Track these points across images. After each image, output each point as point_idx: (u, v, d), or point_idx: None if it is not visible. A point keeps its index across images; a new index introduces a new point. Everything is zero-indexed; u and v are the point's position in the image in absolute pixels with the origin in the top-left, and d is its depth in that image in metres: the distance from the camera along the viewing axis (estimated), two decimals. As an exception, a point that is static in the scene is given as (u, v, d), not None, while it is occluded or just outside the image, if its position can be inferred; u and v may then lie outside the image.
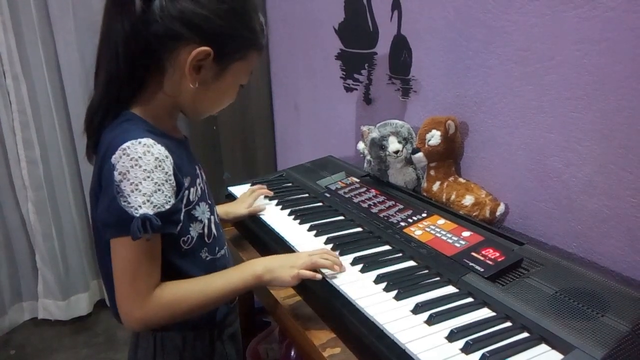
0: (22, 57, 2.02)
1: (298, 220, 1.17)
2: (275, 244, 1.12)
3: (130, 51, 0.76)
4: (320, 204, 1.27)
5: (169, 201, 0.77)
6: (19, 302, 2.33)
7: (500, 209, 1.13)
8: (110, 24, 0.77)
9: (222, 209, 1.19)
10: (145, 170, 0.74)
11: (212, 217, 0.90)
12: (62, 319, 2.32)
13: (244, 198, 1.26)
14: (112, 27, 0.77)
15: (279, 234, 1.12)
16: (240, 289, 0.86)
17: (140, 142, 0.75)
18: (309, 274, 0.88)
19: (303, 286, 0.98)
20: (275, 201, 1.28)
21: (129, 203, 0.74)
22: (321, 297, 0.92)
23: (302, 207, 1.24)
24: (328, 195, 1.30)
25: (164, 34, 0.76)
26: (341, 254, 1.00)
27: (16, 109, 2.06)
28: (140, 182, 0.74)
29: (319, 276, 0.89)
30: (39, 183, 2.16)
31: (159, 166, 0.76)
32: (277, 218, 1.20)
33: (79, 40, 2.04)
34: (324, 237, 1.07)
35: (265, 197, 1.31)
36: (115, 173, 0.74)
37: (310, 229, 1.12)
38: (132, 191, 0.74)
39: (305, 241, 1.07)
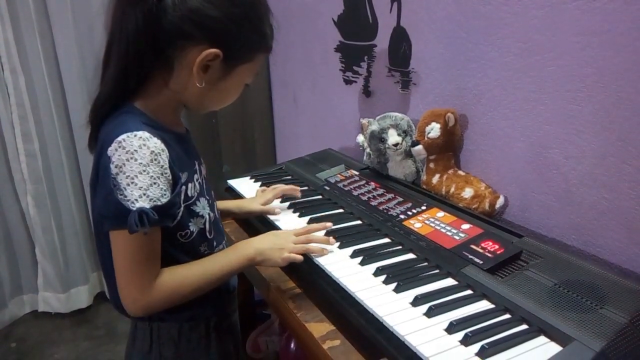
0: (20, 50, 2.01)
1: (297, 213, 1.17)
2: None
3: (141, 48, 0.77)
4: (320, 196, 1.27)
5: (165, 194, 0.77)
6: (19, 295, 2.33)
7: (500, 201, 1.13)
8: (123, 20, 0.77)
9: (236, 204, 1.18)
10: (141, 164, 0.75)
11: (211, 212, 0.90)
12: (62, 312, 2.33)
13: (264, 194, 1.20)
14: (124, 24, 0.77)
15: (278, 226, 1.12)
16: (235, 271, 0.90)
17: (136, 135, 0.75)
18: (298, 257, 0.91)
19: (303, 279, 0.99)
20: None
21: (126, 197, 0.74)
22: (321, 290, 0.92)
23: (301, 199, 1.24)
24: (327, 188, 1.30)
25: (176, 33, 0.77)
26: (341, 247, 1.00)
27: (14, 102, 2.06)
28: (136, 176, 0.74)
29: (300, 258, 0.92)
30: (38, 176, 2.16)
31: (155, 160, 0.76)
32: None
33: (77, 32, 2.04)
34: (323, 230, 1.07)
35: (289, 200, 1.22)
36: (112, 166, 0.75)
37: (310, 222, 1.12)
38: (129, 184, 0.74)
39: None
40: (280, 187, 1.22)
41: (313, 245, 0.96)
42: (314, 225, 1.01)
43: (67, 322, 2.30)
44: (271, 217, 1.16)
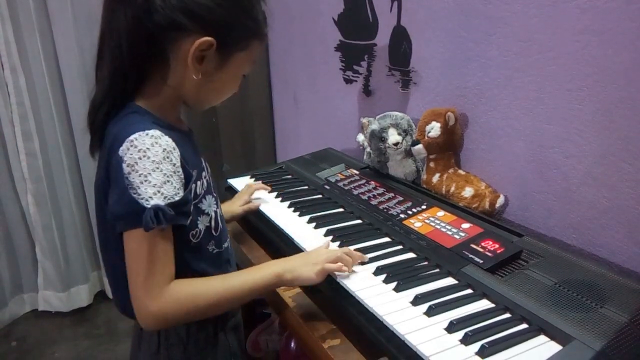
0: (20, 48, 2.01)
1: (297, 213, 1.17)
2: (275, 236, 1.12)
3: (133, 43, 0.76)
4: (320, 196, 1.27)
5: (178, 192, 0.76)
6: (19, 294, 2.34)
7: (500, 200, 1.13)
8: (112, 16, 0.77)
9: None
10: (153, 162, 0.74)
11: (217, 210, 0.90)
12: (63, 311, 2.33)
13: (240, 195, 1.24)
14: (114, 20, 0.76)
15: (278, 225, 1.12)
16: (260, 289, 0.84)
17: (147, 134, 0.75)
18: (334, 266, 0.87)
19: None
20: (275, 193, 1.28)
21: (140, 195, 0.73)
22: (321, 289, 0.92)
23: (301, 199, 1.24)
24: (328, 187, 1.30)
25: (166, 24, 0.75)
26: (341, 246, 1.00)
27: (15, 101, 2.06)
28: (150, 174, 0.73)
29: (345, 268, 0.88)
30: (38, 175, 2.16)
31: (167, 157, 0.75)
32: (276, 210, 1.20)
33: (77, 31, 2.04)
34: (323, 229, 1.07)
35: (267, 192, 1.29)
36: (124, 165, 0.74)
37: (310, 221, 1.12)
38: (142, 182, 0.73)
39: (305, 233, 1.07)
40: (253, 186, 1.27)
41: (346, 257, 0.89)
42: (351, 252, 0.94)
43: (67, 321, 2.30)
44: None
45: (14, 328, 2.26)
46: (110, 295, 2.36)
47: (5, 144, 2.12)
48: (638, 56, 0.85)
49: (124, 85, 0.80)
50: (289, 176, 1.42)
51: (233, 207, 1.19)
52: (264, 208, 1.21)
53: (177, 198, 0.76)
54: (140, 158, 0.73)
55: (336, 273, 0.89)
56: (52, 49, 2.07)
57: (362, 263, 0.94)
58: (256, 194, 1.26)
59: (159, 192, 0.74)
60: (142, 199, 0.73)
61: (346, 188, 1.28)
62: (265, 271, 0.85)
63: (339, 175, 1.36)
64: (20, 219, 2.25)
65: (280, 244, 1.09)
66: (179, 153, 0.78)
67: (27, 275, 2.33)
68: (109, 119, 0.81)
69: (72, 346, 2.13)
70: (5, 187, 2.18)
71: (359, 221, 1.12)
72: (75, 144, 2.21)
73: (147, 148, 0.74)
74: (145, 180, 0.73)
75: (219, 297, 0.80)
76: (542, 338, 0.73)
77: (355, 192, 1.25)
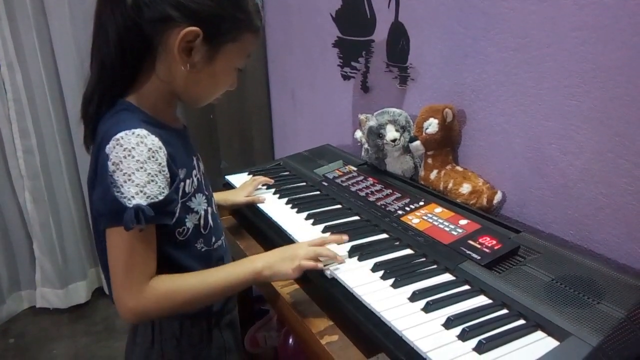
0: (16, 45, 2.00)
1: (295, 209, 1.17)
2: (272, 233, 1.12)
3: (122, 38, 0.76)
4: (318, 192, 1.27)
5: (163, 192, 0.77)
6: (17, 291, 2.34)
7: (498, 197, 1.13)
8: (101, 11, 0.77)
9: (221, 196, 1.19)
10: (138, 161, 0.74)
11: (209, 208, 0.90)
12: (61, 307, 2.33)
13: (245, 186, 1.26)
14: (103, 15, 0.77)
15: (276, 222, 1.12)
16: (238, 285, 0.85)
17: (134, 133, 0.75)
18: (310, 264, 0.87)
19: (301, 275, 0.98)
20: (273, 190, 1.28)
21: (122, 193, 0.74)
22: (319, 285, 0.92)
23: (299, 195, 1.24)
24: (325, 183, 1.30)
25: (154, 17, 0.75)
26: (339, 243, 1.00)
27: (11, 97, 2.05)
28: (134, 173, 0.74)
29: (320, 265, 0.88)
30: (35, 172, 2.16)
31: (152, 157, 0.76)
32: (274, 207, 1.20)
33: (74, 27, 2.03)
34: (321, 226, 1.07)
35: (267, 186, 1.29)
36: (109, 163, 0.74)
37: (307, 218, 1.12)
38: (125, 181, 0.74)
39: (302, 230, 1.07)
40: (258, 179, 1.28)
41: (325, 251, 0.90)
42: (330, 237, 0.97)
43: (65, 317, 2.30)
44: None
45: (12, 325, 2.26)
46: (107, 291, 2.36)
47: (2, 141, 2.12)
48: (636, 52, 0.85)
49: (113, 80, 0.80)
50: (287, 173, 1.42)
51: (237, 196, 1.21)
52: (261, 205, 1.21)
53: (160, 197, 0.76)
54: (125, 157, 0.74)
55: (331, 269, 0.89)
56: (49, 45, 2.06)
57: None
58: (274, 197, 1.25)
59: (141, 191, 0.74)
60: (124, 198, 0.74)
61: (344, 184, 1.28)
62: (244, 268, 0.85)
63: (337, 171, 1.36)
64: (17, 216, 2.25)
65: (278, 241, 1.09)
66: (165, 152, 0.78)
67: (25, 272, 2.33)
68: (100, 113, 0.81)
69: (70, 343, 2.13)
70: (3, 185, 2.18)
71: (356, 217, 1.12)
72: (73, 140, 2.21)
73: (133, 147, 0.74)
74: (129, 180, 0.74)
75: (197, 293, 0.82)
76: (539, 334, 0.73)
77: (353, 189, 1.25)
